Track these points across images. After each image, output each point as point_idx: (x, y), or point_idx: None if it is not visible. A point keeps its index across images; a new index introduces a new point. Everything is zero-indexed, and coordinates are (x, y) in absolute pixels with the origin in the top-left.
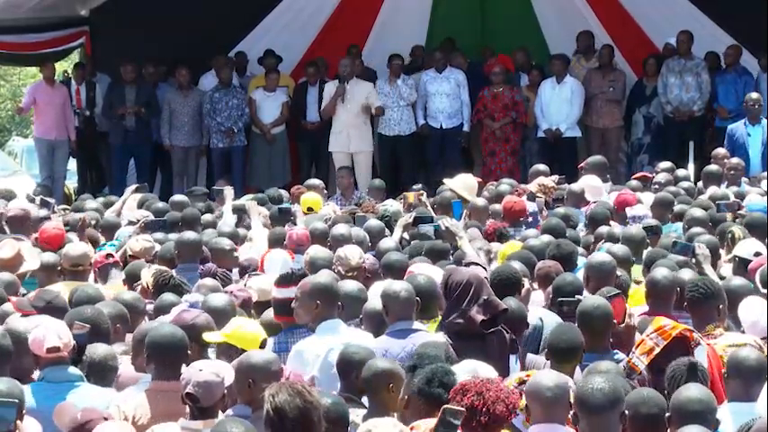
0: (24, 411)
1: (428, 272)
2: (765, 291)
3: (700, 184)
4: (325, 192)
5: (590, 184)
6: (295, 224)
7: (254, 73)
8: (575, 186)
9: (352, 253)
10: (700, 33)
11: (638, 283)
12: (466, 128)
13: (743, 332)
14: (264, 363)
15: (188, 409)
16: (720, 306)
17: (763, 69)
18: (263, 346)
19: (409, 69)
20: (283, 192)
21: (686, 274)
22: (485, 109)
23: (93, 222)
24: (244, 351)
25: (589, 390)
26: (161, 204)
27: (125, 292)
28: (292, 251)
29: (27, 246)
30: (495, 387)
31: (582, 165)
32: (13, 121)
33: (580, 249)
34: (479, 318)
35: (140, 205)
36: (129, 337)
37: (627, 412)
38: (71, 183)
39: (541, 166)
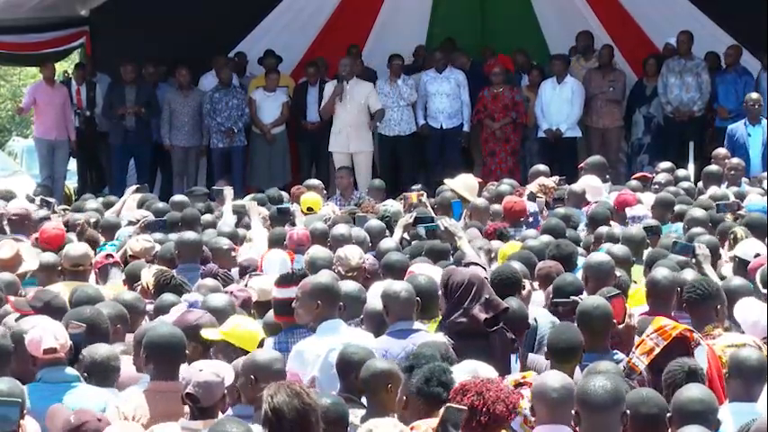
0: (26, 411)
1: (428, 272)
2: (765, 291)
3: (700, 184)
4: (325, 192)
5: (590, 185)
6: (294, 224)
7: (254, 73)
8: (575, 186)
9: (352, 253)
10: (700, 33)
11: (635, 282)
12: (466, 128)
13: (742, 332)
14: (267, 361)
15: (188, 410)
16: (719, 306)
17: (764, 68)
18: (261, 345)
19: (410, 69)
20: (283, 192)
21: (688, 275)
22: (485, 109)
23: (92, 221)
24: (242, 350)
25: (592, 388)
26: (161, 204)
27: (125, 293)
28: (292, 251)
29: (26, 246)
30: (496, 387)
31: (581, 165)
32: (13, 121)
33: (580, 250)
34: (482, 316)
35: (140, 205)
36: (129, 337)
37: (628, 412)
38: (71, 183)
39: (541, 167)
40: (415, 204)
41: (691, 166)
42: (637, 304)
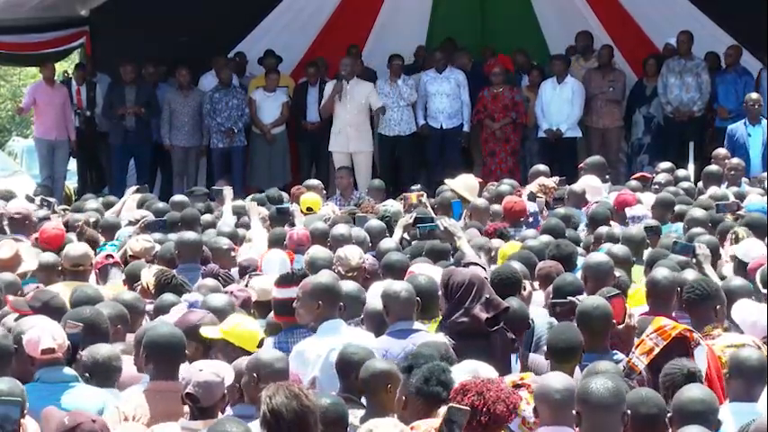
0: (26, 411)
1: (428, 272)
2: (765, 291)
3: (700, 184)
4: (325, 192)
5: (590, 185)
6: (294, 224)
7: (254, 73)
8: (575, 187)
9: (352, 253)
10: (700, 33)
11: (634, 282)
12: (466, 128)
13: (742, 333)
14: (270, 360)
15: (188, 409)
16: (718, 307)
17: (764, 68)
18: (260, 345)
19: (410, 69)
20: (283, 192)
21: (689, 275)
22: (485, 109)
23: (92, 220)
24: (241, 349)
25: (594, 388)
26: (161, 204)
27: (125, 292)
28: (293, 251)
29: (26, 246)
30: (496, 387)
31: (581, 165)
32: (13, 121)
33: (580, 250)
34: (484, 316)
35: (140, 205)
36: (129, 337)
37: (629, 412)
38: (71, 183)
39: (542, 167)
40: (415, 205)
41: (691, 166)
42: (637, 304)
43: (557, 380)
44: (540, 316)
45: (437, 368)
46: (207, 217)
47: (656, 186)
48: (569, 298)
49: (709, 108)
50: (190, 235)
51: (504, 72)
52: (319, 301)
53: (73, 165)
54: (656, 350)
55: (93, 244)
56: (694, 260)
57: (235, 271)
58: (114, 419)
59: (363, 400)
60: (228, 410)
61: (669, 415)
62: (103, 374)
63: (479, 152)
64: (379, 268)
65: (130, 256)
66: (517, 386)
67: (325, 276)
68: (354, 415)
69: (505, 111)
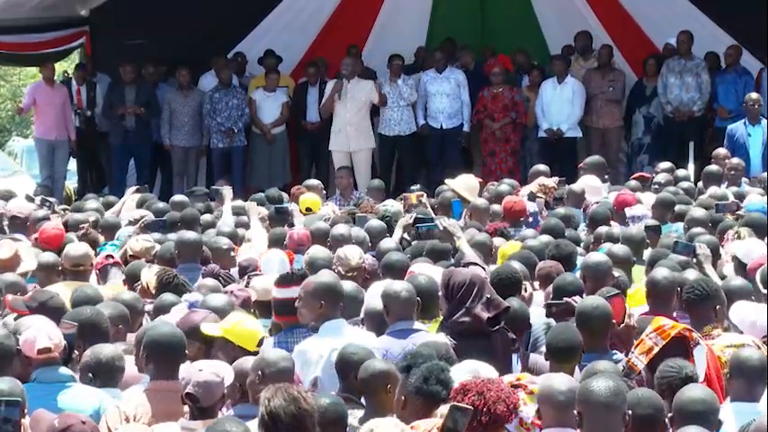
0: (26, 411)
1: (429, 272)
2: (765, 291)
3: (700, 184)
4: (325, 192)
5: (589, 185)
6: (293, 224)
7: (254, 73)
8: (575, 186)
9: (352, 253)
10: (700, 33)
11: (634, 282)
12: (466, 128)
13: (741, 333)
14: (275, 359)
15: (187, 409)
16: (718, 307)
17: (765, 67)
18: (260, 344)
19: (410, 69)
20: (283, 192)
21: (690, 275)
22: (485, 109)
23: (92, 219)
24: (241, 348)
25: (596, 388)
26: (161, 204)
27: (123, 292)
28: (292, 251)
29: (25, 246)
30: (496, 387)
31: (581, 165)
32: (13, 121)
33: (580, 250)
34: (485, 315)
35: (140, 205)
36: (129, 336)
37: (630, 412)
38: (71, 183)
39: (542, 167)
40: (415, 205)
41: (691, 166)
42: (637, 304)
43: (560, 381)
44: (536, 316)
45: (436, 367)
46: (207, 217)
47: (656, 186)
48: (565, 299)
49: (710, 108)
50: (190, 235)
51: (504, 72)
52: (322, 301)
53: (73, 165)
54: (656, 350)
55: (94, 244)
56: (695, 260)
57: (235, 271)
58: (116, 419)
59: (363, 401)
60: (229, 410)
61: (670, 415)
62: (107, 374)
63: (479, 152)
64: (379, 268)
65: (130, 255)
66: (514, 386)
67: (327, 276)
68: (354, 416)
69: (505, 111)
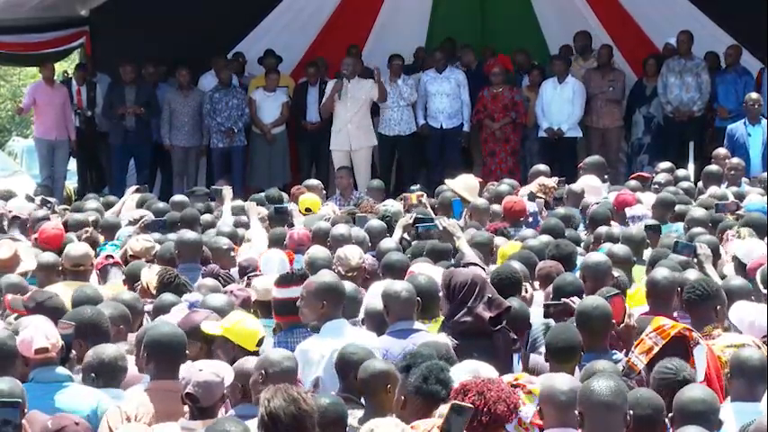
0: (26, 411)
1: (429, 272)
2: (765, 291)
3: (700, 184)
4: (325, 192)
5: (589, 185)
6: (292, 224)
7: (254, 73)
8: (575, 186)
9: (352, 253)
10: (700, 33)
11: (634, 282)
12: (466, 128)
13: (741, 333)
14: (278, 358)
15: (187, 409)
16: (718, 307)
17: (765, 67)
18: (260, 344)
19: (410, 69)
20: (283, 192)
21: (691, 275)
22: (485, 109)
23: (92, 219)
24: (240, 347)
25: (598, 388)
26: (161, 204)
27: (123, 292)
28: (293, 251)
29: (24, 246)
30: (497, 387)
31: (580, 165)
32: (13, 121)
33: (580, 249)
34: (487, 315)
35: (140, 205)
36: (130, 336)
37: (631, 413)
38: (71, 183)
39: (542, 166)
40: (415, 205)
41: (691, 166)
42: (637, 304)
43: (562, 381)
44: (536, 316)
45: (435, 367)
46: (207, 217)
47: (656, 186)
48: (563, 300)
49: (709, 108)
50: (190, 235)
51: (504, 72)
52: (323, 301)
53: (73, 165)
54: (656, 349)
55: (94, 244)
56: (695, 260)
57: (235, 271)
58: (116, 419)
59: (363, 401)
60: (229, 410)
61: (670, 415)
62: (109, 374)
63: (479, 152)
64: (379, 268)
65: (130, 255)
66: (512, 386)
67: (329, 276)
68: (354, 416)
69: (505, 111)
